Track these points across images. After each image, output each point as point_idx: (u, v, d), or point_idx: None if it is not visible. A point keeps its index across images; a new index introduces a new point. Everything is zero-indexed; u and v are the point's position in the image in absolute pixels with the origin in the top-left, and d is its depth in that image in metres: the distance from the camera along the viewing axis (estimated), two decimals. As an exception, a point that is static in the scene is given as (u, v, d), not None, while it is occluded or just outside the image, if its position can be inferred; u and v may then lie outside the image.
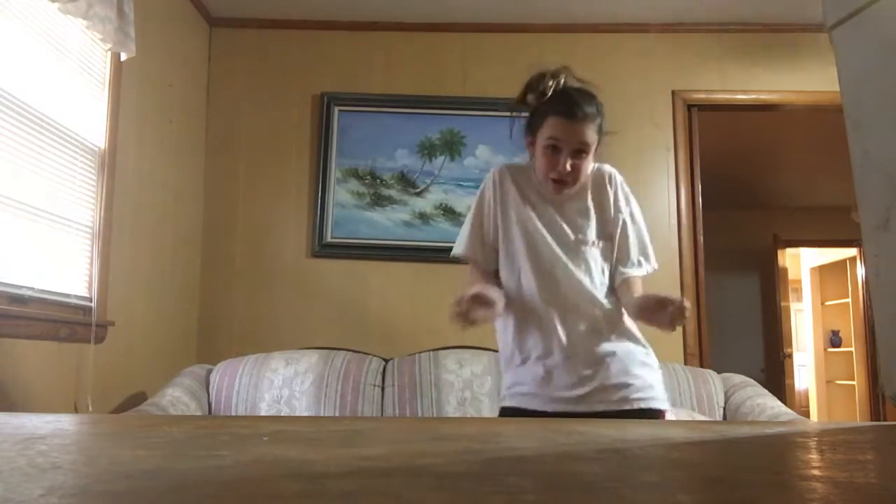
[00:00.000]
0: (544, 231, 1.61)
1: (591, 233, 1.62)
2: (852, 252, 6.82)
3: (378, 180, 3.45)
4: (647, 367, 1.60)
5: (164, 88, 3.08)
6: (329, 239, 3.41)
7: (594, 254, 1.62)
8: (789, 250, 6.86)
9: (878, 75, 0.89)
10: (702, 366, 3.27)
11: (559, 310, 1.58)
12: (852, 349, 6.93)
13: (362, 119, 3.49)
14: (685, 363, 3.24)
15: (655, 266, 1.67)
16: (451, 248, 1.72)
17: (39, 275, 2.23)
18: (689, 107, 3.51)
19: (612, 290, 1.63)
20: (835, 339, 7.29)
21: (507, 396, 1.64)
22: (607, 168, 1.68)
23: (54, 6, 2.21)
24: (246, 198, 3.48)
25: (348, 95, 3.50)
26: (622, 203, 1.65)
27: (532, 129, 1.62)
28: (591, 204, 1.64)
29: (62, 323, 2.32)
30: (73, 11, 2.25)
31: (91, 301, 2.48)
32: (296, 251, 3.43)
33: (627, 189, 1.68)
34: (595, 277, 1.60)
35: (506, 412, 1.64)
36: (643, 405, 1.54)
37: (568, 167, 1.55)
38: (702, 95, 3.51)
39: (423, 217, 3.41)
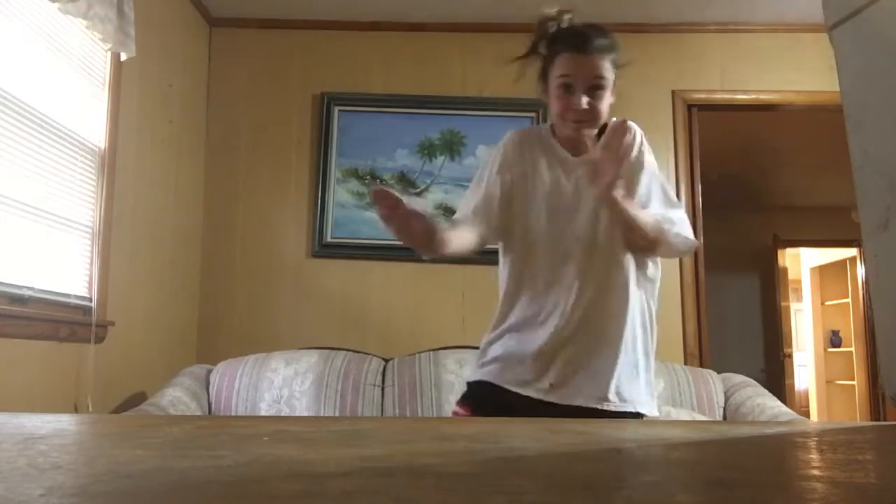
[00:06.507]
0: (559, 190, 1.48)
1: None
2: (852, 252, 6.83)
3: (378, 180, 3.45)
4: (642, 375, 1.48)
5: (164, 88, 3.08)
6: (329, 239, 3.41)
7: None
8: (789, 250, 6.86)
9: (878, 75, 0.89)
10: (702, 366, 3.27)
11: (571, 271, 1.44)
12: (852, 349, 6.94)
13: (362, 119, 3.49)
14: (685, 363, 3.24)
15: (684, 215, 1.52)
16: None
17: (39, 275, 2.23)
18: (689, 107, 3.51)
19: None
20: (835, 339, 7.30)
21: (481, 368, 1.50)
22: (628, 122, 1.52)
23: (54, 6, 2.21)
24: (246, 198, 3.48)
25: (348, 95, 3.50)
26: (644, 158, 1.50)
27: (544, 73, 1.49)
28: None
29: (62, 323, 2.32)
30: (73, 11, 2.25)
31: (91, 301, 2.48)
32: (296, 251, 3.43)
33: (647, 145, 1.53)
34: (612, 233, 1.45)
35: (475, 388, 1.50)
36: (623, 409, 1.42)
37: (584, 104, 1.41)
38: (702, 95, 3.51)
39: (423, 217, 3.40)
